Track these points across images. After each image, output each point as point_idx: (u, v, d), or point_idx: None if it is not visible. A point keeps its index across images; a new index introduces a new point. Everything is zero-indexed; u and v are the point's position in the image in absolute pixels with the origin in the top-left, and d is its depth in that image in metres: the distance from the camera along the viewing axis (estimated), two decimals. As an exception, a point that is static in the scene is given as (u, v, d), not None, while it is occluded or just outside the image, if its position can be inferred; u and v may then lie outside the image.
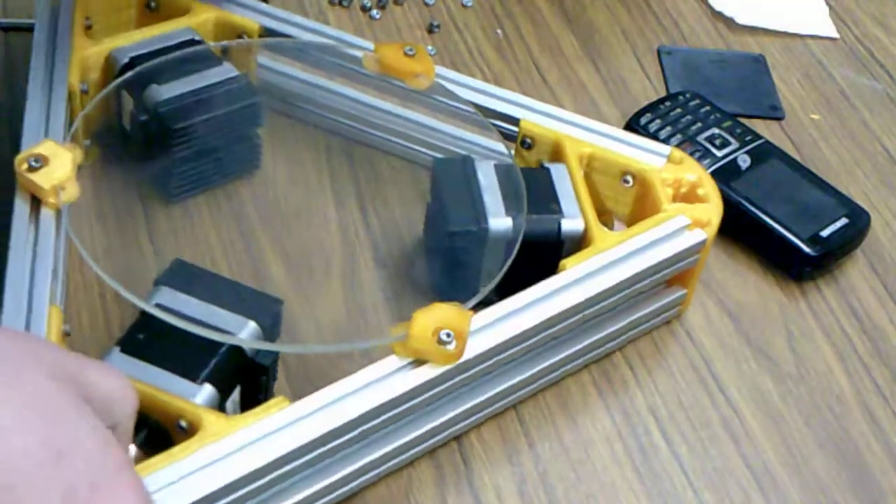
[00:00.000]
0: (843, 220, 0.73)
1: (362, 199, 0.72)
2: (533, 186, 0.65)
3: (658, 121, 0.77)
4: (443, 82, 0.70)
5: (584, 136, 0.69)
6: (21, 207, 0.59)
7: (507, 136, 0.70)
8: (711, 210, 0.66)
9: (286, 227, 0.70)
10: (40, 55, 0.67)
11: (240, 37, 0.72)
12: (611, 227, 0.67)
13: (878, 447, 0.65)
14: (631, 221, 0.69)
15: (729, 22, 0.91)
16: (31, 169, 0.59)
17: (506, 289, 0.60)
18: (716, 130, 0.77)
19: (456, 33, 0.86)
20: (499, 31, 0.87)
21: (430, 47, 0.84)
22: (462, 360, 0.56)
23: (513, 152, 0.69)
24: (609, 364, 0.66)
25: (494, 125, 0.70)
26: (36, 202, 0.59)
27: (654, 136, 0.75)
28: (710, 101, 0.79)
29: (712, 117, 0.78)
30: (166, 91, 0.67)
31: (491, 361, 0.58)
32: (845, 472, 0.63)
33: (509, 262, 0.61)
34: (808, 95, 0.86)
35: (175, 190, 0.69)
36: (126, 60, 0.68)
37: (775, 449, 0.64)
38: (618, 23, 0.89)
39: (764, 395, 0.66)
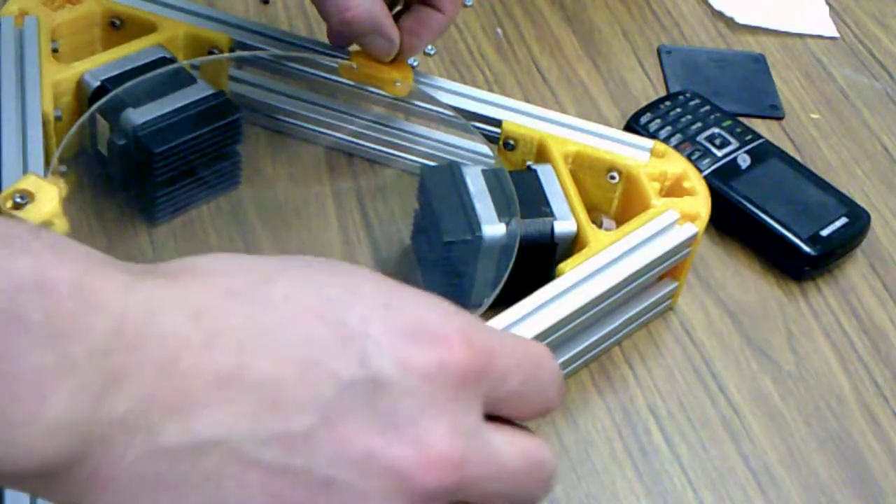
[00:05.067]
0: (843, 220, 0.73)
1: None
2: (522, 189, 0.64)
3: (658, 120, 0.77)
4: (422, 87, 0.69)
5: (568, 134, 0.69)
6: None
7: (490, 139, 0.69)
8: (699, 202, 0.67)
9: (285, 229, 0.70)
10: (10, 84, 0.64)
11: (211, 51, 0.71)
12: (599, 225, 0.67)
13: (878, 447, 0.65)
14: (619, 217, 0.69)
15: (729, 21, 0.91)
16: (17, 206, 0.56)
17: (499, 294, 0.59)
18: (716, 130, 0.77)
19: (456, 33, 0.86)
20: (499, 30, 0.87)
21: (429, 47, 0.83)
22: None
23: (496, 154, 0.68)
24: (609, 363, 0.66)
25: (476, 128, 0.69)
26: None
27: (653, 136, 0.75)
28: (710, 100, 0.79)
29: (712, 117, 0.78)
30: (144, 114, 0.65)
31: None
32: (845, 472, 0.63)
33: (508, 270, 0.60)
34: (807, 95, 0.86)
35: (158, 214, 0.67)
36: (98, 84, 0.66)
37: (775, 449, 0.64)
38: (618, 22, 0.89)
39: (764, 395, 0.66)
